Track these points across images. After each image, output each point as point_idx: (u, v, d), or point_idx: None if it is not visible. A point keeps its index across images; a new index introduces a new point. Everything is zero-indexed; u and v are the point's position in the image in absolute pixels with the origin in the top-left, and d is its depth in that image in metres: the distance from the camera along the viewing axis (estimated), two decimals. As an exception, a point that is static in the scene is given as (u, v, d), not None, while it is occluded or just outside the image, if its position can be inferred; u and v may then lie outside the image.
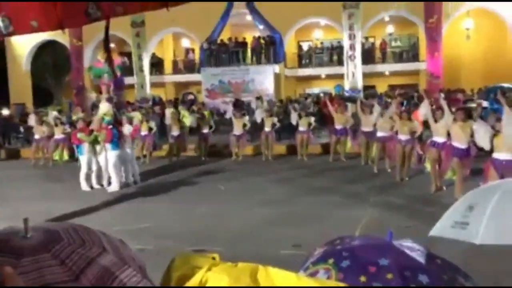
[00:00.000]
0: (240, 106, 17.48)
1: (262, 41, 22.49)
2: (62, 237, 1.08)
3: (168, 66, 26.97)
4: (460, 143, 8.24)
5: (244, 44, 23.27)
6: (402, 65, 23.70)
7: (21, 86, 26.41)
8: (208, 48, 22.41)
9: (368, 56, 22.94)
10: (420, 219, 6.86)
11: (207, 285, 1.09)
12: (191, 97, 25.33)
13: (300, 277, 1.14)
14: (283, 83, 23.60)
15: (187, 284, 1.12)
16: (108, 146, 10.09)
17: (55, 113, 16.90)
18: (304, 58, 25.78)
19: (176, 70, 26.77)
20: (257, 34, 23.04)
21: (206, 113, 15.81)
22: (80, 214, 8.03)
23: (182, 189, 10.14)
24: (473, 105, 14.02)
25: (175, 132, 14.25)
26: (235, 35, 24.10)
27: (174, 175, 11.90)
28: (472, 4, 21.36)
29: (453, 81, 21.58)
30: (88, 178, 10.50)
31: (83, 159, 10.51)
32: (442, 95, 10.52)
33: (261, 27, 22.12)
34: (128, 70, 23.26)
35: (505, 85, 16.30)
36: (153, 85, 25.33)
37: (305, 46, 26.63)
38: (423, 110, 9.22)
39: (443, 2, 20.73)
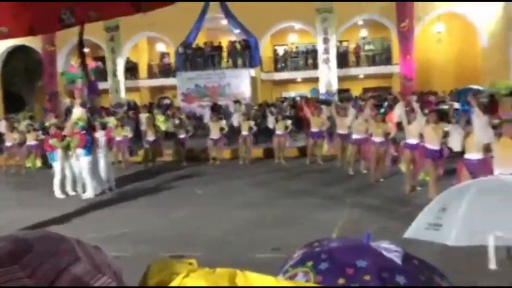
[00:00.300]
0: (217, 110, 17.44)
1: (237, 45, 22.52)
2: (32, 247, 1.05)
3: (143, 70, 26.72)
4: (432, 145, 8.41)
5: (219, 48, 23.25)
6: (376, 68, 24.08)
7: (-10, 92, 25.78)
8: (184, 52, 22.31)
9: (342, 60, 23.22)
10: (396, 219, 6.96)
11: (185, 291, 1.07)
12: (166, 101, 25.16)
13: (279, 281, 1.13)
14: (260, 87, 23.67)
15: (164, 291, 1.10)
16: (81, 152, 9.91)
17: (27, 121, 16.54)
18: (280, 62, 25.93)
19: (151, 75, 26.55)
20: (232, 38, 23.06)
21: (182, 117, 15.71)
22: (55, 222, 7.86)
23: (159, 194, 10.05)
24: (445, 106, 14.35)
25: (150, 137, 14.11)
26: (210, 39, 24.06)
27: (150, 180, 11.78)
28: (443, 8, 21.86)
29: (425, 83, 22.05)
30: (62, 185, 10.29)
31: (56, 166, 10.30)
32: (415, 97, 10.73)
33: (236, 31, 22.14)
34: (102, 75, 23.03)
35: (474, 87, 16.77)
36: (128, 89, 25.06)
37: (280, 50, 26.79)
38: (398, 112, 9.38)
39: (415, 7, 21.20)
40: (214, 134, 13.93)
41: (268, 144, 15.05)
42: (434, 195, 7.41)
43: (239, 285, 1.08)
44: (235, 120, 15.05)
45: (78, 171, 10.26)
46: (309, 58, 24.57)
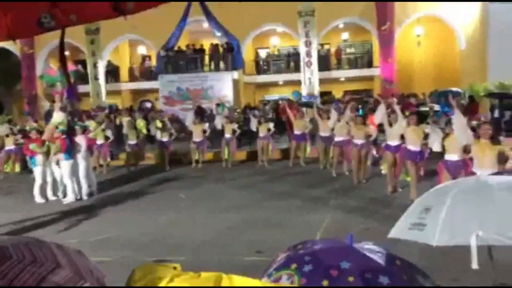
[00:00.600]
0: (201, 113, 17.37)
1: (220, 48, 22.50)
2: (11, 254, 1.02)
3: (124, 73, 26.46)
4: (414, 146, 8.52)
5: (202, 51, 23.19)
6: (357, 71, 24.27)
7: (-33, 96, 25.21)
8: (166, 55, 22.19)
9: (324, 63, 23.36)
10: (379, 220, 7.03)
11: (170, 296, 1.07)
12: (148, 105, 24.97)
13: (264, 284, 1.13)
14: (242, 90, 23.67)
15: (149, 296, 1.09)
16: (61, 156, 9.78)
17: (6, 125, 16.21)
18: (262, 65, 25.98)
19: (132, 78, 26.30)
20: (214, 41, 23.04)
21: (164, 119, 15.58)
22: (36, 227, 7.74)
23: (141, 198, 9.96)
24: (426, 108, 14.58)
25: (132, 140, 13.98)
26: (192, 42, 23.98)
27: (132, 184, 11.68)
28: (422, 11, 22.20)
29: (406, 85, 22.34)
30: (42, 190, 10.13)
31: (37, 170, 10.13)
32: (395, 99, 10.85)
33: (218, 34, 22.11)
34: (83, 78, 22.74)
35: (454, 89, 17.07)
36: (109, 93, 24.79)
37: (262, 53, 26.85)
38: (379, 114, 9.47)
39: (395, 10, 21.48)
40: (197, 136, 13.88)
41: (251, 147, 15.06)
42: (416, 196, 7.52)
43: (224, 289, 1.08)
44: (218, 123, 15.02)
45: (59, 176, 10.11)
46: (291, 61, 24.67)
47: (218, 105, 18.23)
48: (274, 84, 26.24)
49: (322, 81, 22.63)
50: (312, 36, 21.78)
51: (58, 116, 10.12)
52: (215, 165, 14.13)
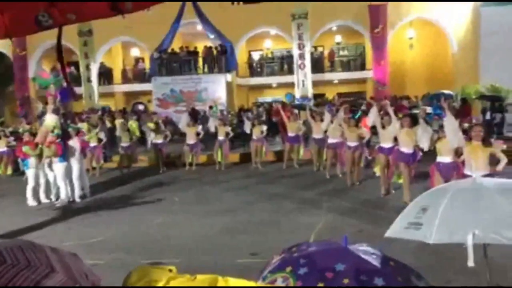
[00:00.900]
0: (195, 116, 17.34)
1: (214, 50, 22.51)
2: (4, 258, 1.01)
3: (117, 75, 26.35)
4: (406, 148, 8.56)
5: (195, 53, 23.17)
6: (350, 74, 24.36)
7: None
8: (159, 57, 22.15)
9: (317, 65, 23.43)
10: (373, 222, 7.06)
11: (166, 299, 1.07)
12: (141, 107, 24.90)
13: (260, 286, 1.14)
14: (236, 92, 23.67)
15: (145, 299, 1.09)
16: (56, 159, 9.73)
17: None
18: (256, 67, 26.00)
19: (125, 80, 26.20)
20: (208, 43, 23.03)
21: (158, 121, 15.53)
22: (29, 230, 7.67)
23: (135, 201, 9.92)
24: (418, 111, 14.65)
25: (125, 143, 13.92)
26: (186, 44, 23.96)
27: (126, 186, 11.63)
28: (415, 14, 22.32)
29: (399, 88, 22.44)
30: (35, 192, 10.06)
31: (29, 173, 10.07)
32: (388, 102, 10.90)
33: (212, 36, 22.10)
34: (75, 80, 22.64)
35: (446, 91, 17.17)
36: (102, 95, 24.68)
37: (256, 56, 26.88)
38: (372, 117, 9.51)
39: (388, 13, 21.59)
40: (190, 139, 13.85)
41: (245, 149, 15.05)
42: (409, 198, 7.56)
43: (220, 291, 1.08)
44: (212, 125, 15.00)
45: (52, 179, 10.05)
46: (284, 63, 24.71)
47: (211, 107, 18.22)
48: (268, 87, 26.26)
49: (315, 83, 22.70)
50: (305, 38, 21.85)
51: (51, 119, 10.04)
52: (209, 167, 14.11)
